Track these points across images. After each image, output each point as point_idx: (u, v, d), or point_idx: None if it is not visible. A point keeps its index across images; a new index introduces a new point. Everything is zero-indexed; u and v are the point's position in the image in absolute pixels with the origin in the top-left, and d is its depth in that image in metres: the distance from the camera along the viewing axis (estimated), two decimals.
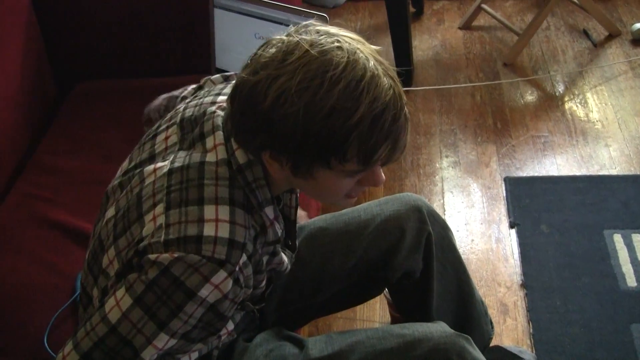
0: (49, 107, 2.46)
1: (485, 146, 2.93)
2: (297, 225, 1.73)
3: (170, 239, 1.15)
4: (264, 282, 1.32)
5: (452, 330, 1.49)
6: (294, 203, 1.45)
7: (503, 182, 2.74)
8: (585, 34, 3.55)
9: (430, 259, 1.70)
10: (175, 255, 1.13)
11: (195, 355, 1.35)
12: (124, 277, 1.19)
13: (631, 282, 2.30)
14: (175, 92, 1.62)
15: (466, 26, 3.70)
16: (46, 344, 1.65)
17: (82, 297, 1.39)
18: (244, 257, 1.17)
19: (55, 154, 2.20)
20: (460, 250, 1.85)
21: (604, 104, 3.11)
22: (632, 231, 2.47)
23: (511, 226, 2.55)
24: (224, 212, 1.17)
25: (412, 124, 3.07)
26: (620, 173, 2.76)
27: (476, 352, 1.49)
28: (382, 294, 1.89)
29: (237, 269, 1.15)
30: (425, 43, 3.62)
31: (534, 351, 2.11)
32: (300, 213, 1.90)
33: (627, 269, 2.34)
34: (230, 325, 1.43)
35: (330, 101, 1.07)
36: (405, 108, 1.14)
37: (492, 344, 2.02)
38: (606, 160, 2.82)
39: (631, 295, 2.26)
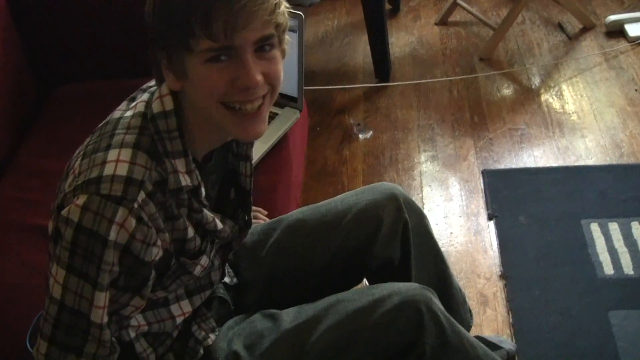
0: (30, 110, 2.45)
1: (462, 140, 2.96)
2: (274, 219, 1.76)
3: (78, 184, 1.19)
4: (190, 234, 1.33)
5: (419, 285, 1.54)
6: (248, 171, 1.49)
7: (481, 175, 2.77)
8: (560, 27, 3.59)
9: (407, 247, 1.72)
10: (79, 201, 1.16)
11: (144, 328, 1.40)
12: (53, 252, 1.22)
13: (608, 270, 2.33)
14: None
15: (442, 22, 3.73)
16: (28, 344, 1.66)
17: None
18: (142, 194, 1.19)
19: (37, 156, 2.20)
20: (440, 243, 1.87)
21: (579, 96, 3.15)
22: (609, 220, 2.51)
23: (490, 218, 2.58)
24: (125, 154, 1.21)
25: (390, 120, 3.11)
26: (597, 163, 2.79)
27: (441, 305, 1.55)
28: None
29: (135, 205, 1.18)
30: (402, 39, 3.64)
31: (514, 340, 2.14)
32: (260, 215, 1.93)
33: (605, 257, 2.37)
34: (187, 307, 1.46)
35: None
36: None
37: (472, 334, 2.04)
38: (582, 151, 2.86)
39: (609, 283, 2.29)
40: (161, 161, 1.24)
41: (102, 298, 1.20)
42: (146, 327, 1.41)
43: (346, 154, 2.94)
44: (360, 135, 3.01)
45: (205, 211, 1.36)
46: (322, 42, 3.69)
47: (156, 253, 1.26)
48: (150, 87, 1.34)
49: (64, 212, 1.18)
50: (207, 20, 1.14)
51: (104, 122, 1.30)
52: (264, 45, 1.21)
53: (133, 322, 1.38)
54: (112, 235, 1.17)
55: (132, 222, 1.18)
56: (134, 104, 1.31)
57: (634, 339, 2.11)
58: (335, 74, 3.44)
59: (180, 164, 1.27)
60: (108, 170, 1.18)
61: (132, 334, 1.39)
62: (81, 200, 1.17)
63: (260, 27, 1.18)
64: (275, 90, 1.27)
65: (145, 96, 1.31)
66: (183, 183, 1.27)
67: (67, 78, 2.54)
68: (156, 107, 1.26)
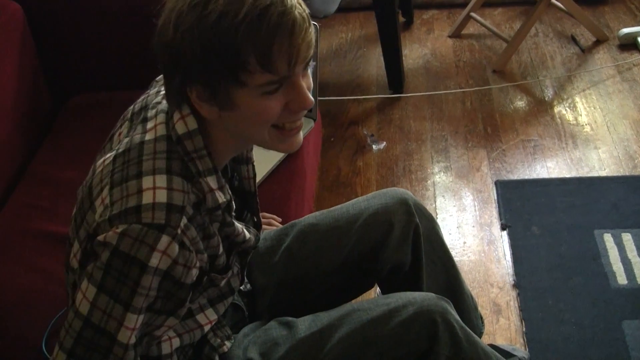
0: (44, 120, 2.48)
1: (476, 151, 2.97)
2: (287, 224, 1.77)
3: (113, 215, 1.18)
4: (220, 250, 1.34)
5: (434, 294, 1.55)
6: (251, 174, 1.50)
7: (494, 186, 2.78)
8: (573, 39, 3.60)
9: (419, 252, 1.73)
10: (119, 230, 1.15)
11: (177, 342, 1.39)
12: (84, 268, 1.22)
13: (622, 280, 2.33)
14: None
15: (456, 34, 3.75)
16: (44, 350, 1.67)
17: (67, 298, 1.43)
18: (184, 220, 1.19)
19: (51, 165, 2.23)
20: (453, 253, 1.88)
21: (592, 108, 3.15)
22: (622, 230, 2.51)
23: (503, 228, 2.58)
24: (161, 180, 1.20)
25: (404, 131, 3.12)
26: (610, 175, 2.79)
27: (456, 315, 1.55)
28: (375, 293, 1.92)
29: (179, 232, 1.18)
30: (415, 52, 3.66)
31: (527, 349, 2.14)
32: (274, 222, 1.95)
33: (618, 267, 2.37)
34: (213, 315, 1.46)
35: (217, 8, 1.11)
36: (300, 7, 1.17)
37: (486, 343, 2.04)
38: (595, 162, 2.86)
39: (622, 293, 2.29)
40: (196, 181, 1.24)
41: (133, 320, 1.20)
42: (178, 340, 1.41)
43: (360, 165, 2.95)
44: (374, 146, 3.02)
45: (237, 223, 1.38)
46: (336, 54, 3.72)
47: (195, 274, 1.27)
48: (158, 103, 1.33)
49: (100, 237, 1.18)
50: (268, 57, 1.14)
51: (123, 147, 1.27)
52: (306, 65, 1.23)
53: (164, 337, 1.38)
54: (154, 262, 1.17)
55: (175, 248, 1.18)
56: (150, 124, 1.29)
57: None
58: (349, 85, 3.46)
59: (212, 182, 1.27)
60: (147, 198, 1.18)
61: (167, 349, 1.39)
62: (120, 228, 1.16)
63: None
64: None
65: (160, 117, 1.29)
66: (220, 200, 1.28)
67: (82, 88, 2.57)
68: (180, 129, 1.25)
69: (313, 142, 2.42)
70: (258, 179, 2.09)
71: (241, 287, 1.66)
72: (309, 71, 1.26)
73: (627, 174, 2.79)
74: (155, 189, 1.19)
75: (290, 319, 1.58)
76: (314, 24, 2.06)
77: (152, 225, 1.16)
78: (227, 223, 1.34)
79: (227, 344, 1.55)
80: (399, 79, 3.33)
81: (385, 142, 3.05)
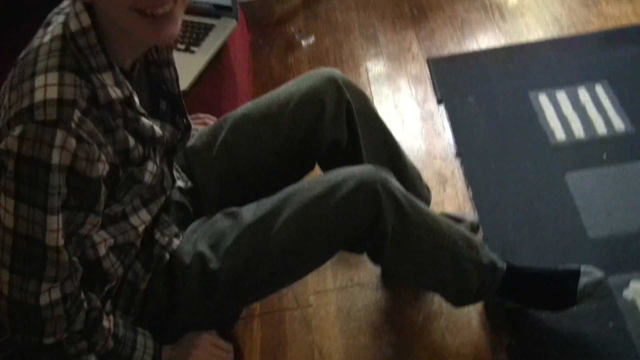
0: None
1: (404, 33, 2.95)
2: (220, 118, 1.76)
3: (10, 117, 1.18)
4: (131, 143, 1.33)
5: (373, 166, 1.57)
6: (174, 76, 1.49)
7: (426, 64, 2.78)
8: None
9: (354, 126, 1.74)
10: (16, 133, 1.15)
11: (110, 243, 1.40)
12: None
13: (560, 135, 2.37)
14: None
15: None
16: None
17: None
18: (77, 113, 1.18)
19: None
20: (393, 132, 1.88)
21: None
22: (555, 89, 2.54)
23: (439, 102, 2.59)
24: (52, 77, 1.18)
25: (331, 23, 3.09)
26: (539, 39, 2.81)
27: (397, 183, 1.58)
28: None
29: (72, 125, 1.17)
30: None
31: (476, 213, 2.17)
32: (208, 122, 1.93)
33: (555, 124, 2.41)
34: (146, 216, 1.46)
35: None
36: None
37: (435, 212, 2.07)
38: (524, 29, 2.87)
39: (562, 147, 2.33)
40: (88, 78, 1.23)
41: (54, 221, 1.20)
42: (112, 240, 1.41)
43: (291, 62, 2.93)
44: (303, 42, 2.99)
45: (143, 119, 1.35)
46: None
47: (102, 168, 1.25)
48: (63, 8, 1.31)
49: (1, 145, 1.17)
50: None
51: (24, 52, 1.27)
52: None
53: (97, 239, 1.38)
54: (55, 159, 1.16)
55: (73, 142, 1.17)
56: (50, 28, 1.27)
57: (591, 196, 2.16)
58: None
59: (107, 78, 1.25)
60: (38, 96, 1.17)
61: (102, 251, 1.39)
62: (17, 131, 1.15)
63: None
64: None
65: (60, 18, 1.27)
66: (113, 96, 1.26)
67: None
68: (74, 26, 1.23)
69: (239, 42, 2.39)
70: (187, 82, 2.08)
71: (182, 185, 1.66)
72: None
73: (556, 36, 2.80)
74: (46, 86, 1.17)
75: (235, 209, 1.59)
76: None
77: (45, 122, 1.15)
78: (130, 119, 1.32)
79: (176, 241, 1.55)
80: None
81: (313, 36, 3.02)
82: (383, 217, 1.53)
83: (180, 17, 1.27)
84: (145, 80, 1.45)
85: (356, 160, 1.76)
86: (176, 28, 1.27)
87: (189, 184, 1.69)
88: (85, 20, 1.23)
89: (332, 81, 1.71)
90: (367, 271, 2.07)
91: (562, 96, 2.51)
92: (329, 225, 1.53)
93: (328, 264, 2.01)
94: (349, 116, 1.73)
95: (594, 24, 2.82)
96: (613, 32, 2.77)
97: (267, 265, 1.53)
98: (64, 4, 1.33)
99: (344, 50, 2.93)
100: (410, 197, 1.60)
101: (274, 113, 1.70)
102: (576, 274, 1.79)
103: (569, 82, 2.56)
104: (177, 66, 1.51)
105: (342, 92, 1.71)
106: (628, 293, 1.89)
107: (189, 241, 1.56)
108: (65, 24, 1.25)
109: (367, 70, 2.81)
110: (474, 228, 2.09)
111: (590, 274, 1.80)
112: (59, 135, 1.16)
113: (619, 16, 2.83)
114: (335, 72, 1.74)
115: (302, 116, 1.68)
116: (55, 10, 1.34)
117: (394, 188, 1.55)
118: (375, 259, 1.67)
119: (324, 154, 1.75)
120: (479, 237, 2.08)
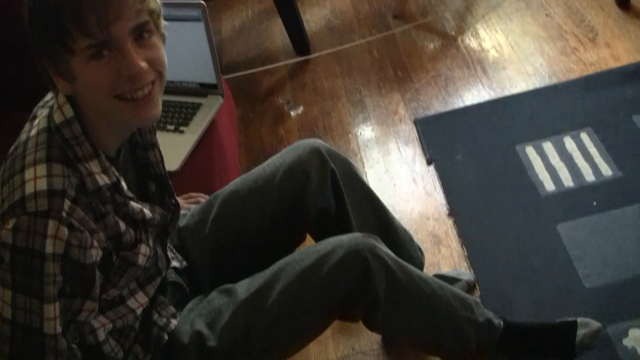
0: None
1: (390, 96, 3.00)
2: (210, 197, 1.79)
3: (4, 211, 1.21)
4: (122, 227, 1.35)
5: (361, 233, 1.60)
6: (159, 158, 1.52)
7: (414, 125, 2.82)
8: None
9: (340, 194, 1.77)
10: (10, 225, 1.19)
11: (110, 326, 1.42)
12: None
13: (550, 186, 2.39)
14: None
15: None
16: None
17: None
18: (67, 202, 1.22)
19: None
20: (385, 196, 1.93)
21: (494, 31, 3.21)
22: (542, 140, 2.57)
23: (429, 163, 2.63)
24: (41, 169, 1.22)
25: (318, 92, 3.15)
26: (521, 91, 2.85)
27: (386, 248, 1.60)
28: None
29: (64, 215, 1.20)
30: (316, 14, 3.68)
31: (472, 271, 2.19)
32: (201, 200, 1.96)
33: (544, 176, 2.44)
34: (143, 298, 1.48)
35: None
36: None
37: (431, 274, 2.09)
38: (506, 82, 2.92)
39: (552, 198, 2.35)
40: (75, 167, 1.27)
41: (51, 310, 1.23)
42: (111, 325, 1.43)
43: (281, 133, 2.97)
44: (292, 112, 3.04)
45: (132, 203, 1.38)
46: (240, 33, 3.72)
47: (96, 254, 1.28)
48: (47, 101, 1.37)
49: None
50: (78, 18, 1.16)
51: (13, 147, 1.31)
52: (142, 33, 1.24)
53: (96, 324, 1.40)
54: (49, 248, 1.19)
55: (65, 230, 1.21)
56: (36, 122, 1.32)
57: (585, 245, 2.17)
58: (258, 59, 3.48)
59: (94, 165, 1.29)
60: (29, 189, 1.21)
61: (102, 336, 1.41)
62: (11, 223, 1.19)
63: (133, 15, 1.21)
64: (162, 75, 1.30)
65: (45, 111, 1.32)
66: (101, 183, 1.29)
67: None
68: (58, 118, 1.28)
69: (227, 118, 2.43)
70: (178, 162, 2.12)
71: (177, 265, 1.68)
72: (154, 41, 1.27)
73: (538, 86, 2.85)
74: (36, 178, 1.21)
75: (229, 285, 1.61)
76: (200, 3, 2.07)
77: (37, 213, 1.19)
78: (119, 203, 1.35)
79: (174, 321, 1.57)
80: (303, 41, 3.35)
81: (302, 106, 3.07)
82: (374, 283, 1.55)
83: (160, 98, 1.31)
84: (131, 163, 1.48)
85: (346, 227, 1.78)
86: (157, 110, 1.31)
87: (184, 263, 1.72)
88: (69, 111, 1.28)
89: (316, 151, 1.75)
90: (368, 339, 2.08)
91: (548, 146, 2.54)
92: (320, 295, 1.55)
93: (329, 333, 2.03)
94: (334, 184, 1.76)
95: (575, 71, 2.87)
96: (594, 78, 2.81)
97: (262, 339, 1.55)
98: (48, 97, 1.38)
99: (332, 117, 2.98)
100: (400, 261, 1.63)
101: (261, 187, 1.73)
102: (574, 326, 1.81)
103: (555, 132, 2.59)
104: (167, 147, 1.56)
105: (325, 161, 1.74)
106: (628, 342, 1.89)
107: (187, 320, 1.58)
108: (49, 117, 1.29)
109: (356, 136, 2.85)
110: (470, 286, 2.11)
111: (587, 325, 1.82)
112: (51, 225, 1.19)
113: (597, 61, 2.88)
114: (318, 142, 1.78)
115: (288, 188, 1.72)
116: (40, 104, 1.39)
117: (382, 254, 1.58)
118: (370, 326, 1.68)
119: (313, 224, 1.77)
120: (474, 295, 2.09)
